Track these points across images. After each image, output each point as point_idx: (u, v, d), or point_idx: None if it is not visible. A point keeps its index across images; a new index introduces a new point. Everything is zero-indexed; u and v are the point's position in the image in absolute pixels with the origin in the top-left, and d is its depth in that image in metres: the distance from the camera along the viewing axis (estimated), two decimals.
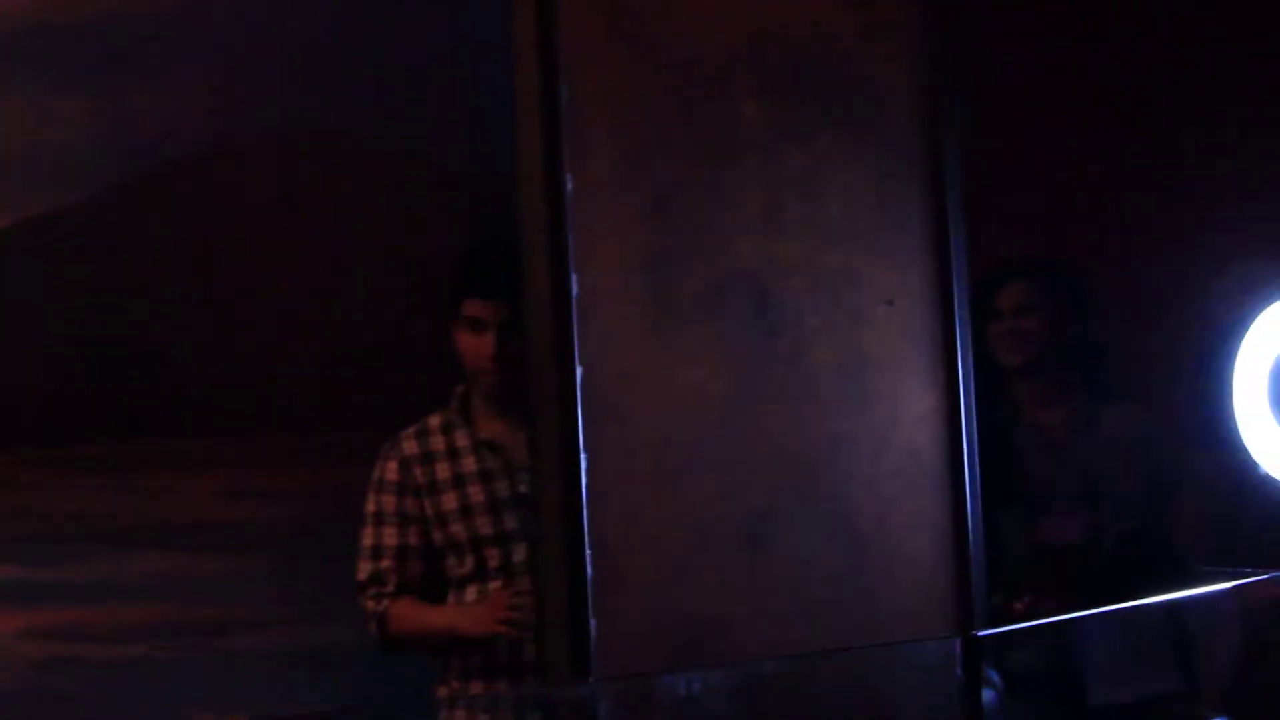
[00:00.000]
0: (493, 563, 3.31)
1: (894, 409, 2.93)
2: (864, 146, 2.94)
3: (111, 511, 4.03)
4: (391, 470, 3.35)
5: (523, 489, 3.32)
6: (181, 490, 4.13)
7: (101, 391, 4.02)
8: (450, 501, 3.33)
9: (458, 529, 3.32)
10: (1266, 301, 3.42)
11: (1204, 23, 3.94)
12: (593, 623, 2.66)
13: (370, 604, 3.35)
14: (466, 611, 3.30)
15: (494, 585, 3.28)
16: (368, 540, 3.36)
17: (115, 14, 3.96)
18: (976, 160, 3.08)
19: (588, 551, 2.66)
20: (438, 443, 3.36)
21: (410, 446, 3.36)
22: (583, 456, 2.67)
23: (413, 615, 3.34)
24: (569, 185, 2.70)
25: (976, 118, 3.12)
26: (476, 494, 3.33)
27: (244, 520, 4.12)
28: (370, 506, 3.37)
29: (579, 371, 2.69)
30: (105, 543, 4.03)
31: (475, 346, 3.31)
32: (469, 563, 3.32)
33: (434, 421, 3.38)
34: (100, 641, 4.05)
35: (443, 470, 3.34)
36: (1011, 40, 3.93)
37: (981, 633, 2.85)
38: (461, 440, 3.35)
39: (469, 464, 3.34)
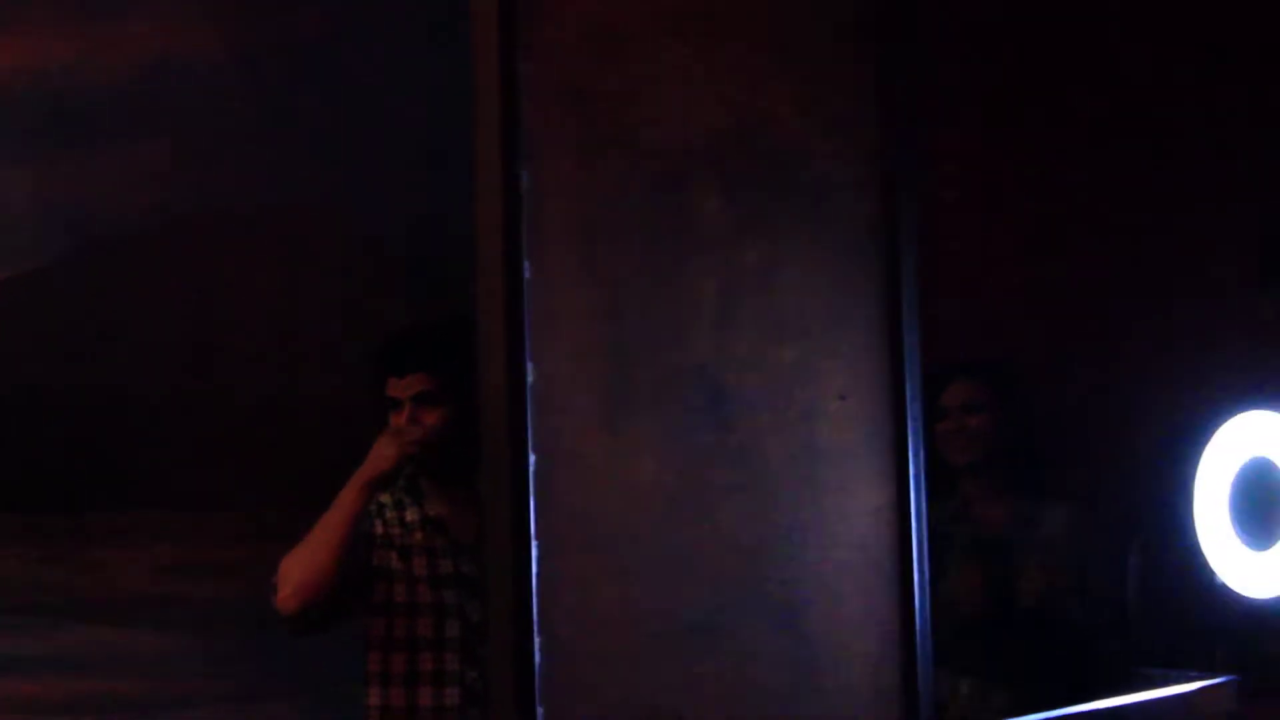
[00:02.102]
0: (424, 632, 3.42)
1: (845, 503, 3.00)
2: (820, 242, 3.03)
3: (65, 583, 4.06)
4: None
5: (465, 569, 3.44)
6: (132, 563, 4.17)
7: (55, 462, 4.06)
8: (394, 561, 3.44)
9: (398, 590, 3.43)
10: (1228, 413, 3.53)
11: (1175, 116, 4.06)
12: (539, 710, 2.69)
13: (272, 580, 3.41)
14: (364, 466, 3.38)
15: (423, 658, 3.38)
16: None
17: (70, 86, 4.02)
18: (929, 256, 3.19)
19: (536, 639, 2.69)
20: (391, 514, 3.50)
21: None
22: (534, 545, 2.73)
23: (302, 540, 3.39)
24: (527, 272, 2.78)
25: (929, 213, 3.22)
26: (420, 566, 3.46)
27: (191, 595, 4.15)
28: None
29: (532, 459, 2.75)
30: (59, 615, 4.05)
31: (394, 423, 3.47)
32: (399, 627, 3.43)
33: (385, 499, 3.51)
34: (38, 714, 4.07)
35: (394, 533, 3.47)
36: (967, 136, 4.05)
37: None
38: (410, 516, 3.49)
39: (417, 538, 3.48)
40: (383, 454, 3.39)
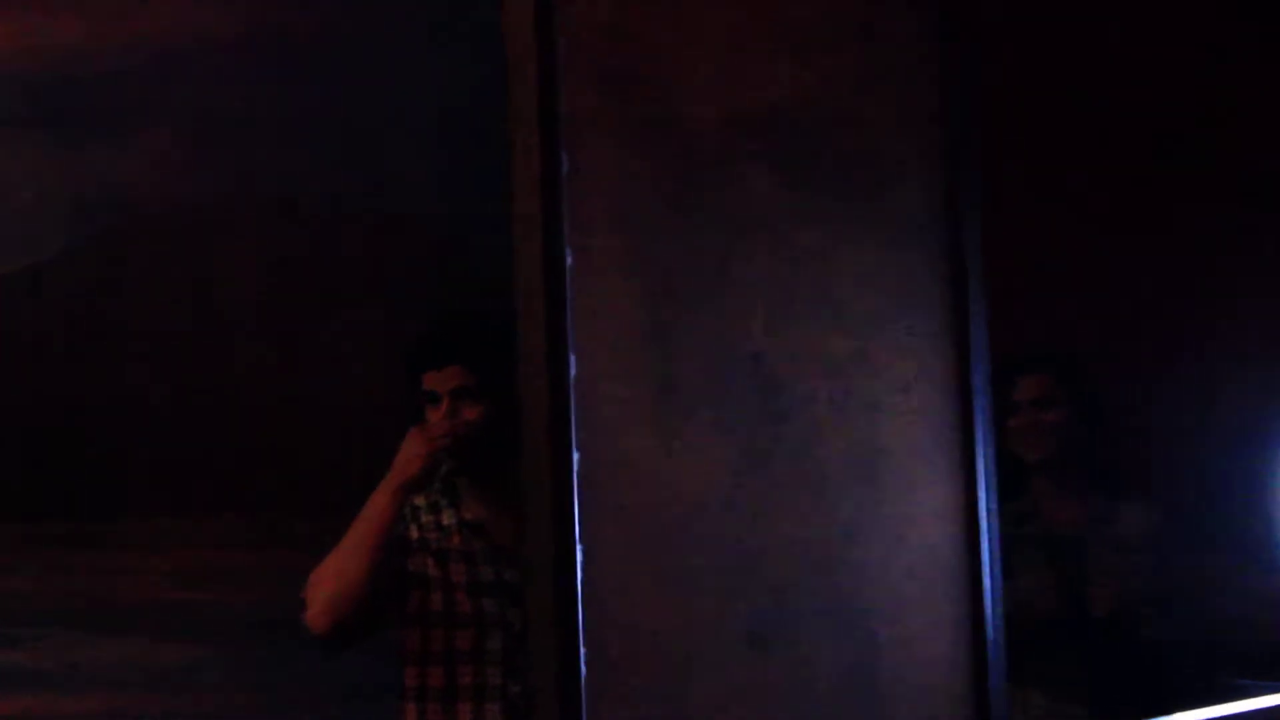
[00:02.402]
0: (463, 644, 3.29)
1: (910, 503, 2.87)
2: (879, 224, 2.91)
3: (68, 593, 3.96)
4: None
5: (507, 576, 3.31)
6: (134, 571, 4.07)
7: (57, 467, 3.97)
8: (431, 567, 3.31)
9: (435, 597, 3.30)
10: None
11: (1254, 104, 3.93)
12: None
13: (301, 596, 3.28)
14: (394, 469, 3.25)
15: (463, 672, 3.26)
16: None
17: (82, 71, 3.93)
18: (994, 243, 3.05)
19: (582, 652, 2.58)
20: (427, 518, 3.37)
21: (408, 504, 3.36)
22: (579, 550, 2.61)
23: (332, 551, 3.25)
24: (569, 260, 2.66)
25: (994, 197, 3.08)
26: (458, 573, 3.32)
27: (197, 603, 4.06)
28: None
29: (575, 458, 2.63)
30: (62, 625, 3.96)
31: (432, 419, 3.34)
32: (437, 639, 3.29)
33: (420, 501, 3.38)
34: None
35: (430, 537, 3.34)
36: (1036, 116, 3.92)
37: None
38: (447, 519, 3.36)
39: (455, 542, 3.34)
40: (413, 454, 3.27)
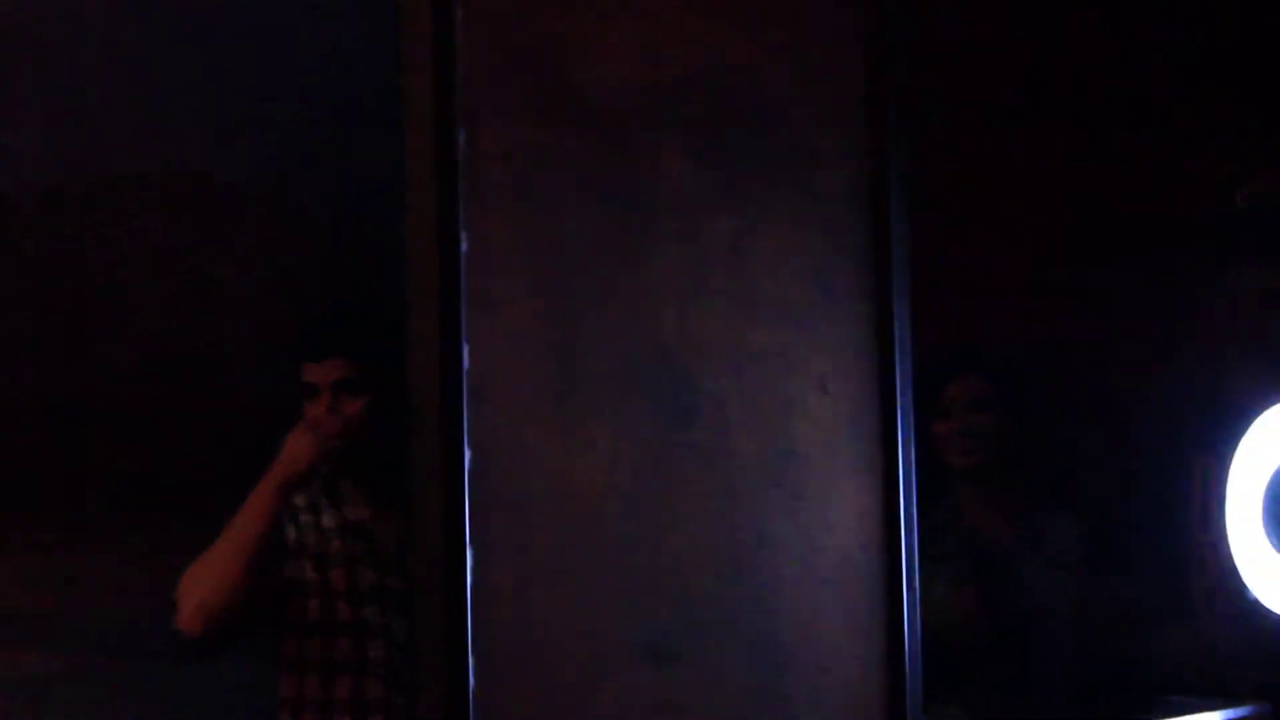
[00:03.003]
0: (343, 654, 3.20)
1: (826, 507, 2.78)
2: (799, 210, 2.81)
3: None
4: None
5: (389, 581, 3.21)
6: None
7: None
8: (309, 571, 3.22)
9: (311, 606, 3.20)
10: (1260, 407, 3.31)
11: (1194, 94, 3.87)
12: None
13: (172, 596, 3.18)
14: (276, 465, 3.16)
15: (341, 682, 3.15)
16: None
17: None
18: (920, 234, 2.96)
19: (471, 663, 2.47)
20: (306, 518, 3.28)
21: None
22: (469, 552, 2.49)
23: (208, 550, 3.16)
24: (464, 244, 2.54)
25: (920, 185, 2.99)
26: (338, 578, 3.23)
27: (50, 611, 3.93)
28: None
29: (467, 456, 2.52)
30: None
31: (309, 414, 3.26)
32: (315, 647, 3.20)
33: (299, 500, 3.28)
34: None
35: (310, 540, 3.25)
36: (963, 93, 3.84)
37: None
38: (328, 521, 3.27)
39: (335, 546, 3.25)
40: (298, 451, 3.18)
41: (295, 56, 3.84)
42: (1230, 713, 3.22)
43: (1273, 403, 3.32)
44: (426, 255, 2.57)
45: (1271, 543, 3.29)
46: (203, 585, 3.14)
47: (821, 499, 2.79)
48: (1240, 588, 3.30)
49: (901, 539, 2.82)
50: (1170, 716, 3.26)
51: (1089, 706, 3.45)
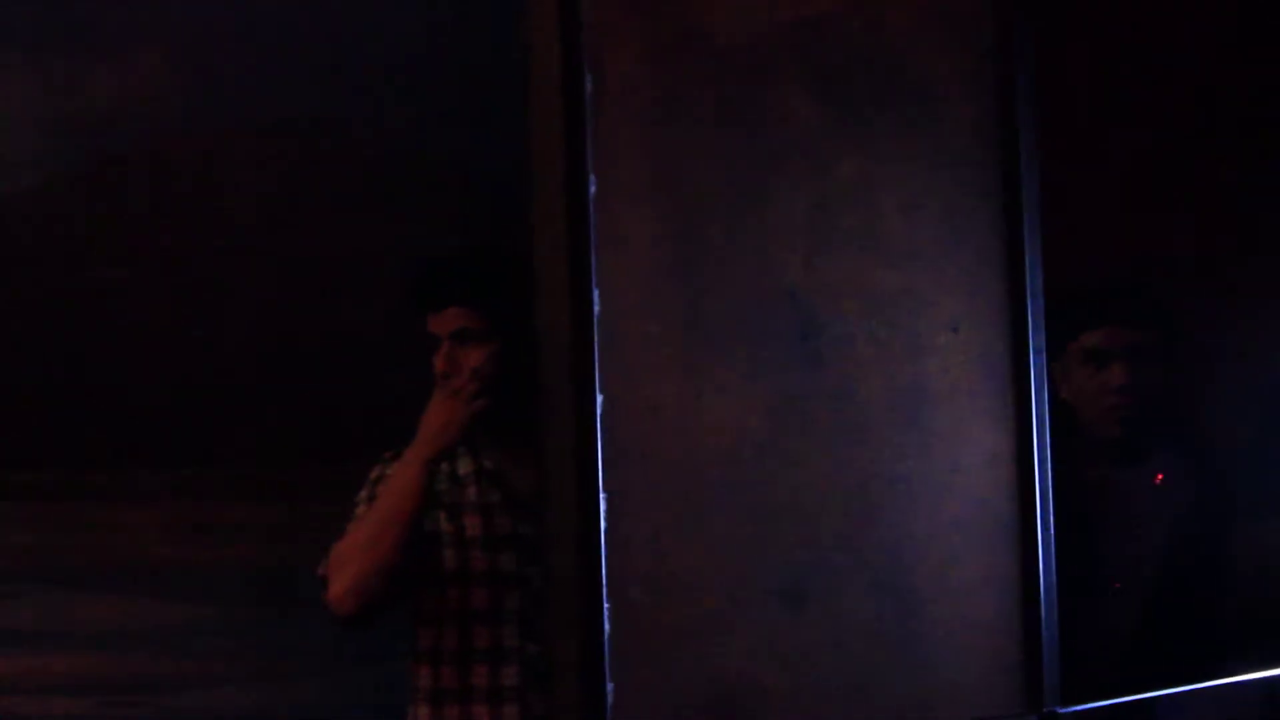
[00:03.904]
0: (479, 603, 3.21)
1: (957, 451, 2.80)
2: (926, 150, 2.82)
3: (63, 547, 3.90)
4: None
5: (524, 529, 3.24)
6: (119, 526, 4.01)
7: (53, 412, 3.91)
8: (443, 521, 3.24)
9: (448, 555, 3.22)
10: None
11: None
12: (609, 687, 2.52)
13: (319, 571, 3.20)
14: (423, 438, 3.17)
15: (478, 633, 3.19)
16: (349, 527, 3.24)
17: None
18: (1050, 169, 2.97)
19: (605, 606, 2.52)
20: (441, 467, 3.27)
21: None
22: (602, 499, 2.54)
23: (358, 522, 3.18)
24: (592, 188, 2.58)
25: (1050, 119, 3.00)
26: (474, 526, 3.24)
27: (193, 560, 4.00)
28: (363, 494, 3.28)
29: (599, 402, 2.56)
30: (57, 582, 3.91)
31: (435, 365, 3.26)
32: (452, 598, 3.22)
33: None
34: (41, 694, 3.91)
35: (441, 489, 3.26)
36: (1094, 29, 3.82)
37: (1061, 709, 2.72)
38: (463, 468, 3.28)
39: (470, 494, 3.26)
40: (447, 422, 3.17)
41: (419, 2, 3.88)
42: None
43: None
44: (555, 200, 2.60)
45: None
46: (354, 564, 3.14)
47: (952, 441, 2.81)
48: None
49: (1035, 483, 2.83)
50: None
51: (1214, 652, 3.45)
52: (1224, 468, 3.66)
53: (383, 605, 3.17)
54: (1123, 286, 3.67)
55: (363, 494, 3.28)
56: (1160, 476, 3.59)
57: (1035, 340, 2.84)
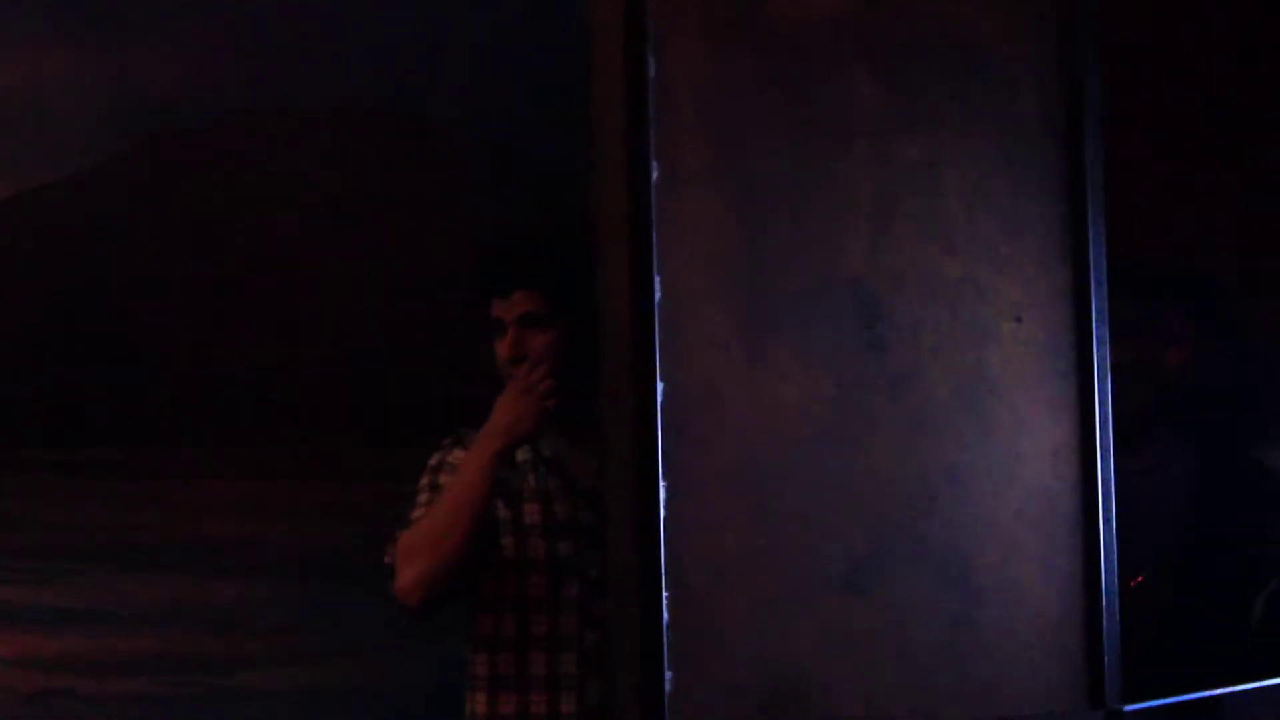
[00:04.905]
0: (537, 591, 3.23)
1: (1020, 440, 2.81)
2: (992, 134, 2.83)
3: (119, 526, 3.94)
4: (457, 455, 3.28)
5: (583, 517, 3.26)
6: (174, 503, 4.05)
7: (106, 389, 3.95)
8: (503, 512, 3.25)
9: (506, 543, 3.24)
10: None
11: None
12: (668, 675, 2.54)
13: (386, 560, 3.22)
14: (492, 433, 3.15)
15: (536, 621, 3.21)
16: (412, 515, 3.25)
17: None
18: (1116, 157, 2.97)
19: (665, 594, 2.54)
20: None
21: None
22: (662, 486, 2.55)
23: (425, 514, 3.19)
24: (655, 172, 2.59)
25: (1115, 108, 3.00)
26: (533, 514, 3.26)
27: (251, 539, 4.03)
28: (424, 480, 3.29)
29: (660, 388, 2.58)
30: (114, 561, 3.95)
31: (497, 350, 3.27)
32: (510, 585, 3.23)
33: None
34: (98, 674, 3.96)
35: (502, 480, 3.24)
36: (1161, 16, 3.81)
37: (1127, 707, 2.73)
38: (521, 454, 3.28)
39: (528, 481, 3.27)
40: (517, 417, 3.16)
41: None
42: None
43: None
44: (617, 184, 2.61)
45: None
46: (422, 558, 3.15)
47: (1014, 431, 2.82)
48: None
49: (1098, 474, 2.84)
50: None
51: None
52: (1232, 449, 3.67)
53: (449, 596, 3.19)
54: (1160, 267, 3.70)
55: (424, 480, 3.28)
56: (1158, 462, 3.61)
57: (1099, 330, 2.85)
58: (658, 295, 2.57)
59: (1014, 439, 2.82)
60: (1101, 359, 2.86)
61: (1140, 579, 3.47)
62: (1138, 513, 3.53)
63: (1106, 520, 2.85)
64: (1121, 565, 2.87)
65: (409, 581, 3.15)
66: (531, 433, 3.19)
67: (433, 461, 3.31)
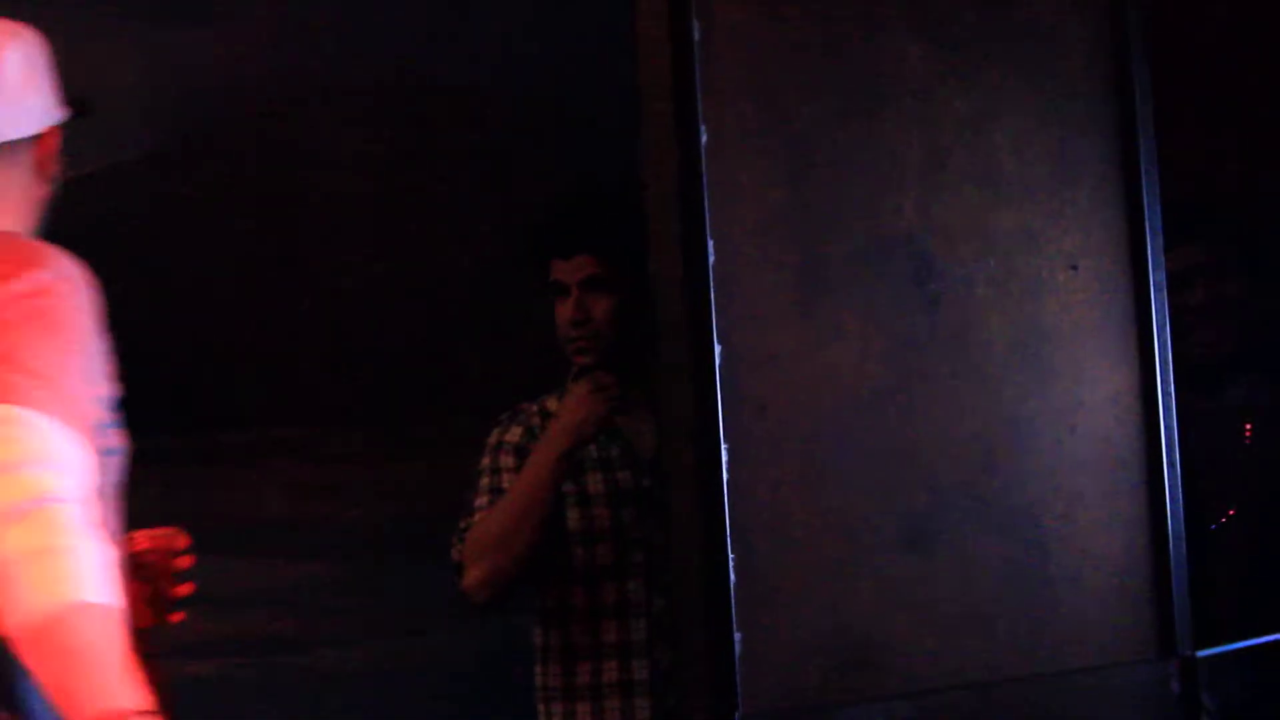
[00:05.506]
0: (604, 559, 3.22)
1: (1079, 390, 2.81)
2: (1039, 85, 2.83)
3: (189, 511, 3.97)
4: (515, 434, 3.28)
5: (646, 483, 3.26)
6: (251, 486, 4.08)
7: (161, 378, 3.97)
8: (567, 486, 3.24)
9: (571, 515, 3.24)
10: None
11: None
12: (737, 637, 2.55)
13: (454, 556, 3.23)
14: (560, 430, 3.15)
15: (605, 589, 3.22)
16: (476, 502, 3.25)
17: None
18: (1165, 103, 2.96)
19: (730, 558, 2.55)
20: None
21: (533, 418, 3.30)
22: (723, 449, 2.56)
23: (491, 511, 3.19)
24: (704, 136, 2.60)
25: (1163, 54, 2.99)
26: (595, 483, 3.25)
27: (316, 520, 4.06)
28: (485, 462, 3.28)
29: (717, 351, 2.60)
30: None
31: (559, 314, 3.26)
32: (578, 556, 3.23)
33: (551, 403, 3.31)
34: (169, 656, 3.99)
35: None
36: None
37: (1200, 653, 2.73)
38: None
39: (590, 451, 3.25)
40: (585, 418, 3.15)
41: None
42: None
43: None
44: (665, 148, 2.60)
45: None
46: (489, 558, 3.16)
47: (1073, 380, 2.81)
48: None
49: (1160, 420, 2.84)
50: None
51: None
52: None
53: (516, 588, 3.21)
54: (1200, 205, 3.68)
55: (485, 461, 3.29)
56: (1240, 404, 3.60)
57: (1155, 276, 2.84)
58: (711, 259, 2.58)
59: (1073, 388, 2.82)
60: (1159, 304, 2.86)
61: (1224, 520, 3.47)
62: (1221, 454, 3.55)
63: (1171, 465, 2.85)
64: (1203, 508, 2.86)
65: (476, 580, 3.17)
66: (595, 435, 3.18)
67: (492, 440, 3.31)
